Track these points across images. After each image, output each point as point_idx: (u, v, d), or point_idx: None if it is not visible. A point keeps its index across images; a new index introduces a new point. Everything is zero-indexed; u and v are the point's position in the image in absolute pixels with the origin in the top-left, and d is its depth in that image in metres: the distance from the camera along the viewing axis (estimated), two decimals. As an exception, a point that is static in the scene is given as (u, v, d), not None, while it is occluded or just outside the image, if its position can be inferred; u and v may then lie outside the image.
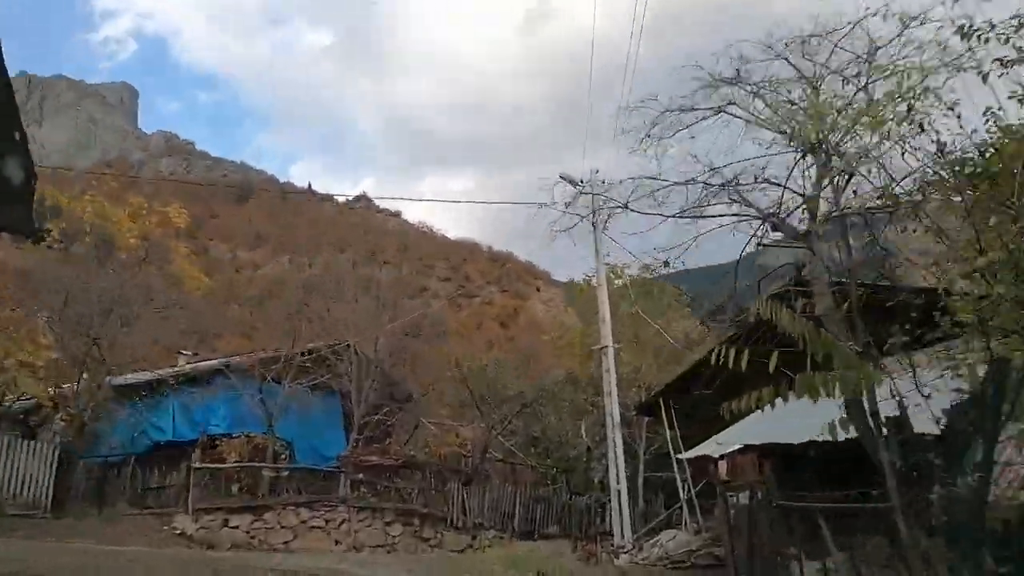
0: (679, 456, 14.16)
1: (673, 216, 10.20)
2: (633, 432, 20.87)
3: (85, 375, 20.03)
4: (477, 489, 18.52)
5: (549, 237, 14.03)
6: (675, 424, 18.33)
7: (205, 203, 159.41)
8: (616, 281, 22.41)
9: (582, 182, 18.95)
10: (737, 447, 12.48)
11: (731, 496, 14.39)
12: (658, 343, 22.98)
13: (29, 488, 16.96)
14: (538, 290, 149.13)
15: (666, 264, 10.72)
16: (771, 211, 9.69)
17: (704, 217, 10.23)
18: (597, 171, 18.99)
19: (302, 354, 24.86)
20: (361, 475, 17.95)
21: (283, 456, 24.42)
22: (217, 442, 23.98)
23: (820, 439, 10.03)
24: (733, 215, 10.06)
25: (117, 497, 20.95)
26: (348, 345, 25.04)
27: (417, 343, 31.16)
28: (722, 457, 14.79)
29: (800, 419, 11.04)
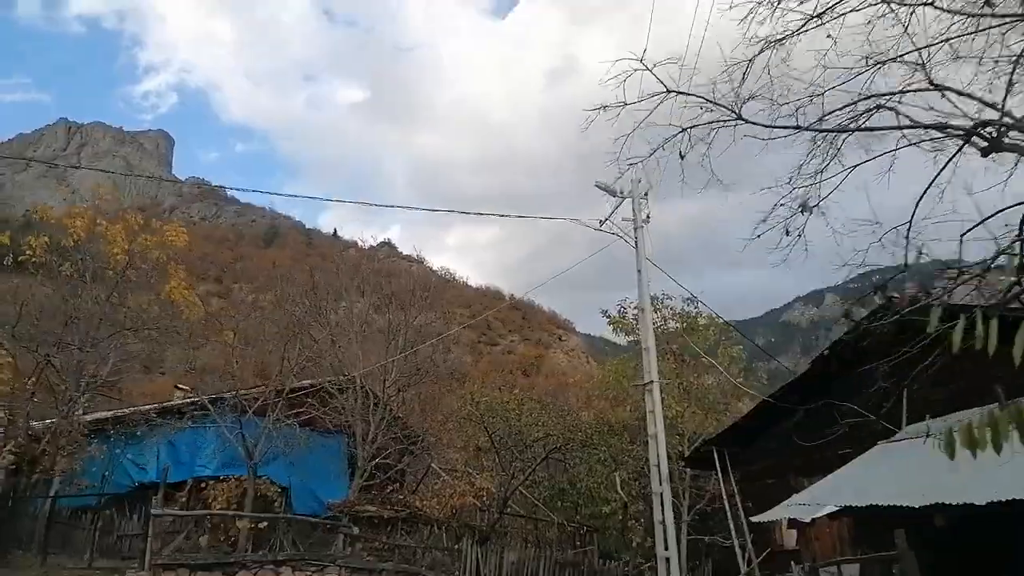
0: (752, 519, 11.22)
1: (813, 129, 6.87)
2: (675, 487, 17.91)
3: (39, 399, 17.58)
4: (495, 549, 15.58)
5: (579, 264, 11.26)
6: (731, 478, 15.39)
7: (232, 247, 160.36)
8: (656, 315, 19.69)
9: (620, 192, 16.49)
10: (830, 509, 9.56)
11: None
12: (703, 385, 20.11)
13: None
14: (560, 339, 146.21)
15: (803, 209, 7.24)
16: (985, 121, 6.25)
17: (865, 131, 6.77)
18: (639, 180, 16.52)
19: (301, 390, 22.52)
20: (356, 529, 15.07)
21: (276, 503, 21.82)
22: (204, 485, 21.50)
23: (956, 503, 7.29)
24: (914, 127, 6.59)
25: (84, 545, 18.32)
26: (352, 381, 22.68)
27: (433, 387, 28.64)
28: (794, 524, 11.85)
29: (922, 477, 8.28)
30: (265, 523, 15.87)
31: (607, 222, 17.28)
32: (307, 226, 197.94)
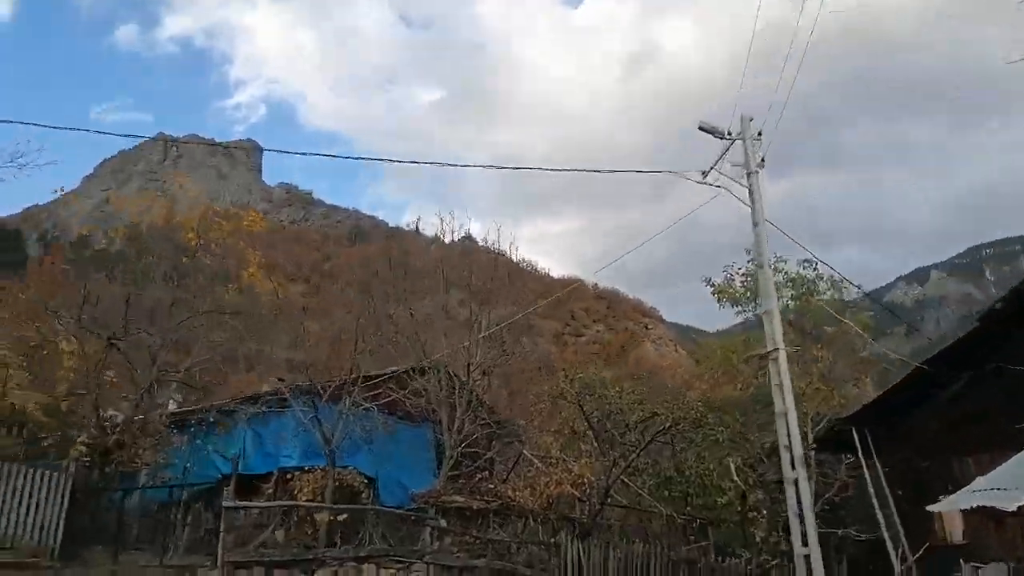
0: (933, 507, 9.01)
1: None
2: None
3: (120, 390, 16.97)
4: (598, 545, 13.84)
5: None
6: (875, 461, 13.09)
7: (318, 247, 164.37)
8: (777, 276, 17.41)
9: (728, 133, 14.40)
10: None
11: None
12: (826, 358, 17.66)
13: (34, 529, 13.74)
14: (647, 327, 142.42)
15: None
16: None
17: None
18: (751, 119, 14.38)
19: (381, 376, 21.40)
20: (444, 521, 13.63)
21: (362, 494, 20.75)
22: (290, 476, 20.67)
23: None
24: None
25: (170, 539, 17.72)
26: (435, 366, 21.43)
27: (520, 373, 27.27)
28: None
29: None
30: (345, 515, 14.61)
31: (712, 172, 15.25)
32: (390, 224, 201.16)
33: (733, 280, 18.84)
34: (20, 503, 13.75)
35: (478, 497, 13.96)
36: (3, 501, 13.65)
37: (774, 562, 14.89)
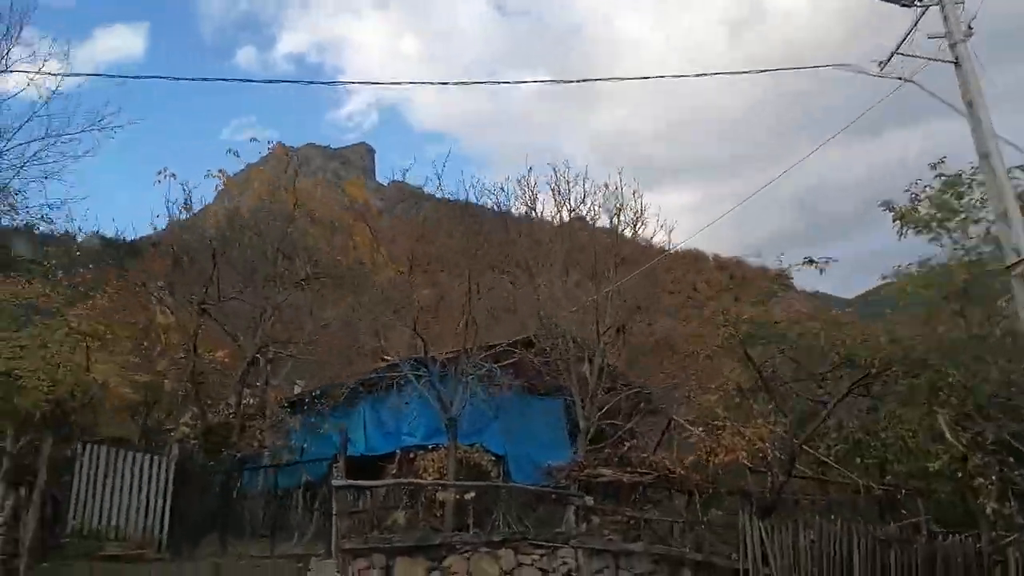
0: None
1: None
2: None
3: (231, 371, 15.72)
4: (785, 524, 11.10)
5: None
6: None
7: (431, 240, 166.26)
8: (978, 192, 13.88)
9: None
10: None
11: None
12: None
13: (139, 518, 12.56)
14: (776, 295, 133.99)
15: None
16: None
17: None
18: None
19: (507, 345, 19.46)
20: (590, 499, 11.28)
21: (491, 473, 18.90)
22: (413, 455, 19.10)
23: None
24: None
25: (297, 526, 16.45)
26: (563, 334, 19.34)
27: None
28: None
29: None
30: (473, 494, 12.61)
31: (894, 58, 12.14)
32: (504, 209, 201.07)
33: (918, 202, 15.34)
34: (125, 490, 12.64)
35: (628, 469, 11.55)
36: (108, 488, 12.55)
37: (1011, 537, 11.65)
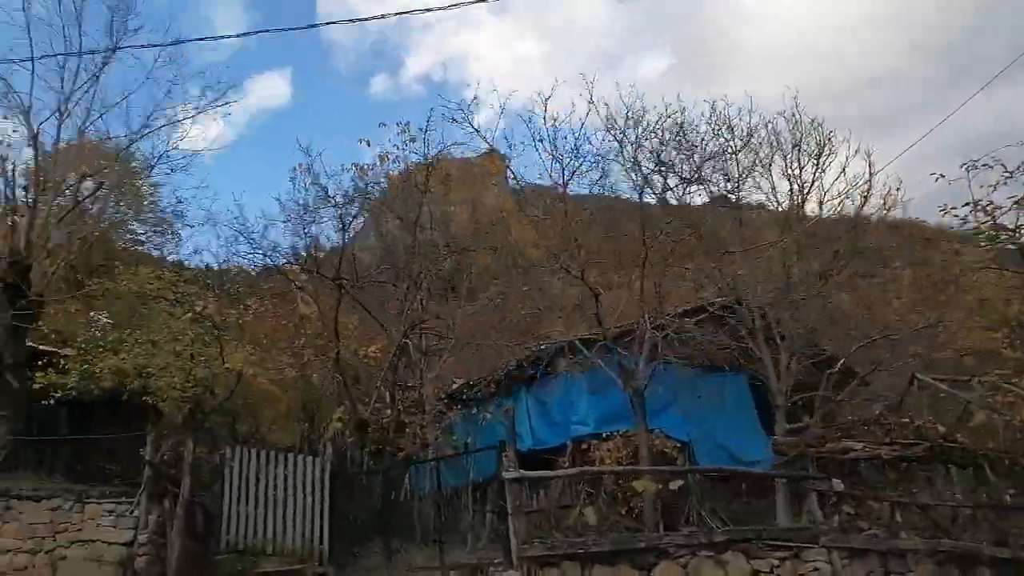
0: None
1: None
2: None
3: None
4: None
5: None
6: None
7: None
8: None
9: None
10: None
11: None
12: None
13: (296, 527, 11.16)
14: (957, 253, 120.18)
15: None
16: None
17: None
18: None
19: (684, 314, 16.88)
20: (839, 483, 8.48)
21: (676, 461, 16.40)
22: (585, 446, 16.96)
23: None
24: None
25: (470, 530, 14.79)
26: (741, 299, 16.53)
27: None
28: None
29: None
30: (680, 482, 10.14)
31: None
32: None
33: None
34: (279, 497, 11.33)
35: (888, 440, 8.68)
36: (260, 496, 11.28)
37: None
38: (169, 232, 20.73)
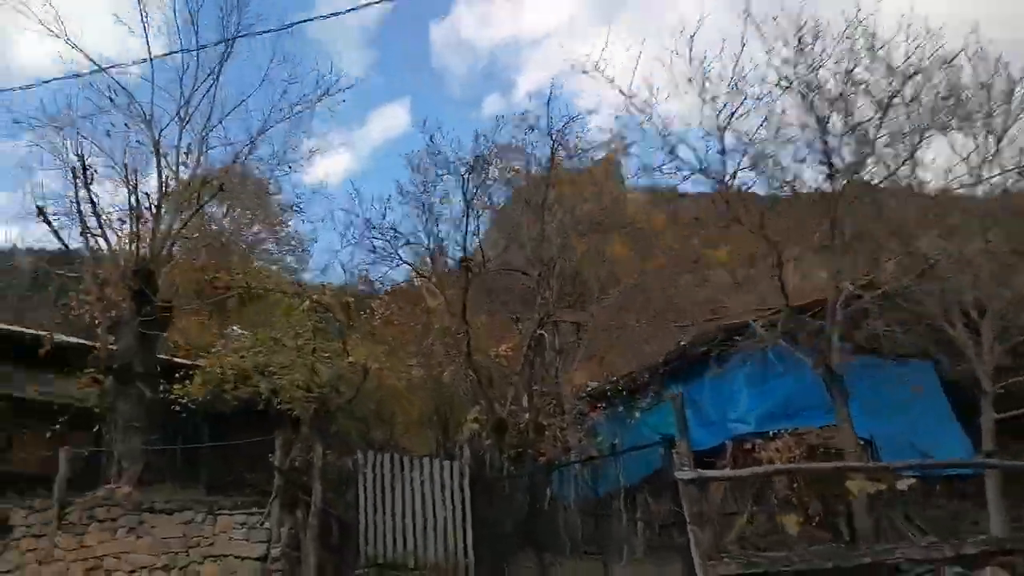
0: None
1: None
2: None
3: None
4: None
5: None
6: None
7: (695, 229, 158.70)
8: None
9: None
10: None
11: None
12: None
13: (437, 538, 9.98)
14: None
15: None
16: None
17: None
18: None
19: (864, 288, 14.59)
20: None
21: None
22: (749, 446, 15.00)
23: None
24: None
25: (608, 539, 13.23)
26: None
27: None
28: None
29: None
30: (911, 480, 8.07)
31: None
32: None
33: None
34: (417, 505, 10.20)
35: None
36: (397, 504, 10.20)
37: None
38: (297, 248, 20.64)
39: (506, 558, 10.87)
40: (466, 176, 13.81)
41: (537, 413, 13.15)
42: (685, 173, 12.28)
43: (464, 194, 13.67)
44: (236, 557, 9.64)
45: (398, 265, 15.50)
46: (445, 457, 11.22)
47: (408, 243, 14.71)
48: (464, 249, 13.06)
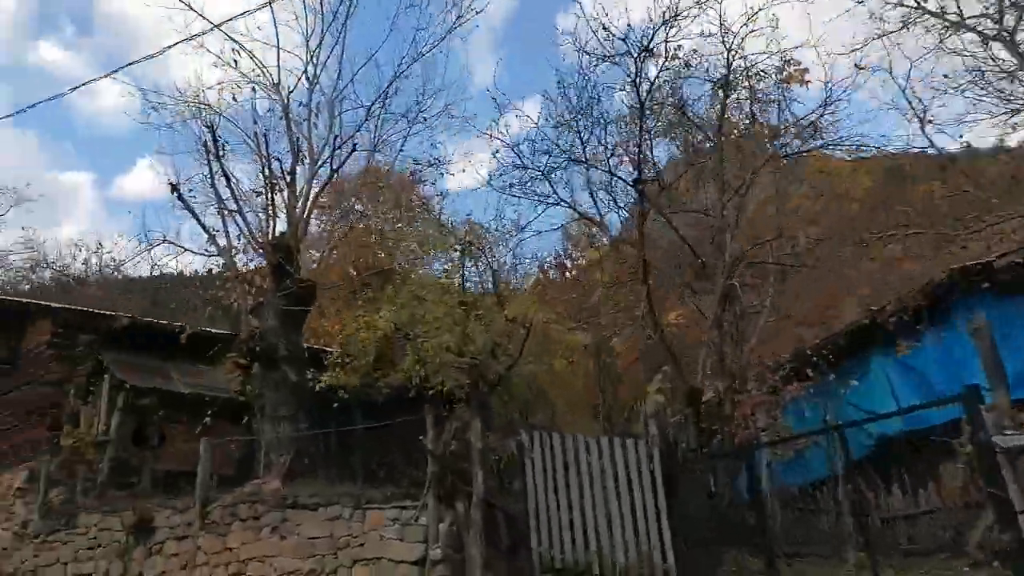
0: None
1: None
2: None
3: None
4: None
5: None
6: None
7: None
8: None
9: None
10: None
11: None
12: None
13: (625, 537, 7.99)
14: None
15: None
16: None
17: None
18: None
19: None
20: None
21: None
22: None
23: None
24: None
25: (837, 538, 10.74)
26: None
27: None
28: None
29: None
30: None
31: None
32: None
33: None
34: (598, 496, 8.28)
35: None
36: (576, 494, 8.32)
37: None
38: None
39: (706, 559, 8.74)
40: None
41: (733, 380, 10.84)
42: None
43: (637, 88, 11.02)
44: (390, 560, 8.16)
45: (553, 205, 13.28)
46: (627, 435, 9.22)
47: (569, 161, 12.30)
48: (638, 163, 10.77)
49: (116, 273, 30.65)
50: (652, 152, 11.75)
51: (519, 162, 13.24)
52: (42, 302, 16.72)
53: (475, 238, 9.66)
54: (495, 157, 13.72)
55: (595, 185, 12.99)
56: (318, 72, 13.35)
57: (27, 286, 27.71)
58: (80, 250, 33.29)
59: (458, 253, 8.85)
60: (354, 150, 13.02)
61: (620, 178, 11.75)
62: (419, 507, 8.13)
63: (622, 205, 12.92)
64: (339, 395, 11.86)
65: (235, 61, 13.01)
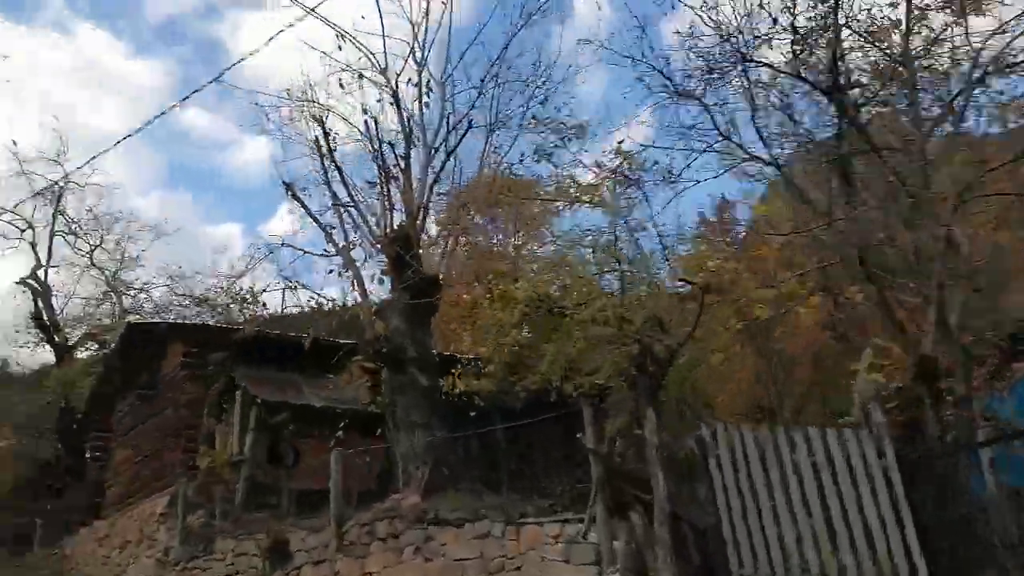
0: None
1: None
2: None
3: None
4: None
5: None
6: None
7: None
8: None
9: None
10: None
11: None
12: None
13: (859, 551, 6.11)
14: None
15: None
16: None
17: None
18: None
19: None
20: None
21: None
22: None
23: None
24: None
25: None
26: None
27: None
28: None
29: None
30: None
31: None
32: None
33: None
34: (812, 500, 6.44)
35: None
36: (781, 499, 6.51)
37: None
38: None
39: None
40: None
41: (965, 352, 8.59)
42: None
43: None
44: (557, 589, 6.70)
45: (707, 150, 11.01)
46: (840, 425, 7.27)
47: (741, 60, 9.70)
48: (834, 58, 8.50)
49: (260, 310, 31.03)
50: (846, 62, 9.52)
51: (668, 83, 10.92)
52: (174, 321, 16.60)
53: (630, 166, 8.03)
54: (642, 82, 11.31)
55: (763, 113, 10.51)
56: (426, 55, 12.33)
57: (171, 316, 28.54)
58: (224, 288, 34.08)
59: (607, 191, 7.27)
60: (470, 127, 11.87)
61: (809, 82, 9.53)
62: (586, 521, 6.59)
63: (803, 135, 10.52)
64: (474, 402, 10.67)
65: (339, 47, 12.18)
